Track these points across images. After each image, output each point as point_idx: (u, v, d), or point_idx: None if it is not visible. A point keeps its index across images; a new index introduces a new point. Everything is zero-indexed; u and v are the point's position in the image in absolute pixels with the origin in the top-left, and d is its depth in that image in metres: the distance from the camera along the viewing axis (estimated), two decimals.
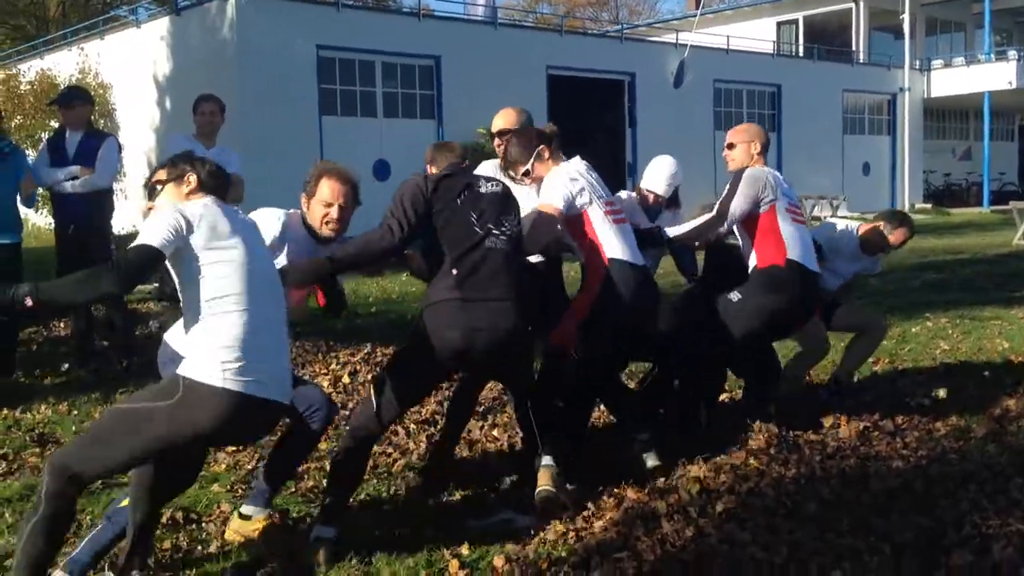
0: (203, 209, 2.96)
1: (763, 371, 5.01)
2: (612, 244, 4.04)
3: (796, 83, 23.71)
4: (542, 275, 4.29)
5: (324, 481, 4.02)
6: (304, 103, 16.11)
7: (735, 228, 4.64)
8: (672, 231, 4.73)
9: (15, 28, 34.14)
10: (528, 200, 4.17)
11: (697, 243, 4.86)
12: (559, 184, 4.06)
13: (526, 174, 4.20)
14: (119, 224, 7.57)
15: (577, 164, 4.19)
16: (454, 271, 3.50)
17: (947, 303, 9.07)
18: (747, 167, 4.62)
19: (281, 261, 3.55)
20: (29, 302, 2.73)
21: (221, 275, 2.88)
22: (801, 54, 26.72)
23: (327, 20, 16.74)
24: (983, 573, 3.17)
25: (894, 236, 5.35)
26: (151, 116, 17.44)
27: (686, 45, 20.65)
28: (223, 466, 4.33)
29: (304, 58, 16.16)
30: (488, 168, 4.52)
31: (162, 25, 17.52)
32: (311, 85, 16.30)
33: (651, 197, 4.85)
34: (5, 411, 5.13)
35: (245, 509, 3.63)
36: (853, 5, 27.62)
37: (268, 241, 3.41)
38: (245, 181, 6.35)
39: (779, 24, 28.98)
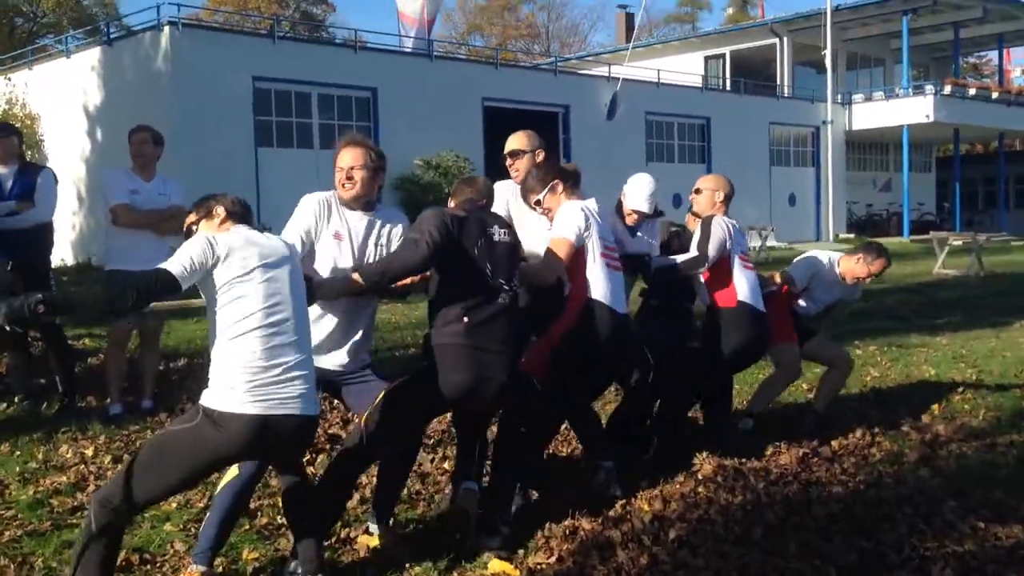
0: (233, 239, 3.13)
1: (718, 397, 5.36)
2: (599, 285, 4.23)
3: (724, 115, 24.37)
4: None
5: (279, 518, 4.03)
6: (240, 134, 16.02)
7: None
8: (658, 263, 5.05)
9: None
10: (538, 226, 4.44)
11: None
12: (573, 217, 4.23)
13: (538, 203, 4.40)
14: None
15: (592, 203, 4.39)
16: (465, 319, 3.62)
17: (874, 331, 9.40)
18: (712, 215, 5.06)
19: (326, 243, 3.81)
20: (41, 310, 2.86)
21: (242, 303, 3.04)
22: (728, 87, 27.46)
23: (263, 51, 16.72)
24: None
25: (873, 266, 5.68)
26: (81, 147, 17.16)
27: (618, 78, 21.10)
28: (174, 504, 4.29)
29: (240, 89, 16.10)
30: (503, 189, 4.71)
31: (93, 55, 17.29)
32: (247, 116, 16.24)
33: (635, 216, 5.02)
34: None
35: (371, 528, 3.88)
36: (777, 41, 28.55)
37: (312, 216, 3.79)
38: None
39: (706, 59, 29.79)
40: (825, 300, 5.77)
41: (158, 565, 3.70)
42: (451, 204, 4.06)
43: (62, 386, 6.07)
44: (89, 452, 5.06)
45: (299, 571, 3.37)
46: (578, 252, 4.22)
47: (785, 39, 28.38)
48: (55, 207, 6.33)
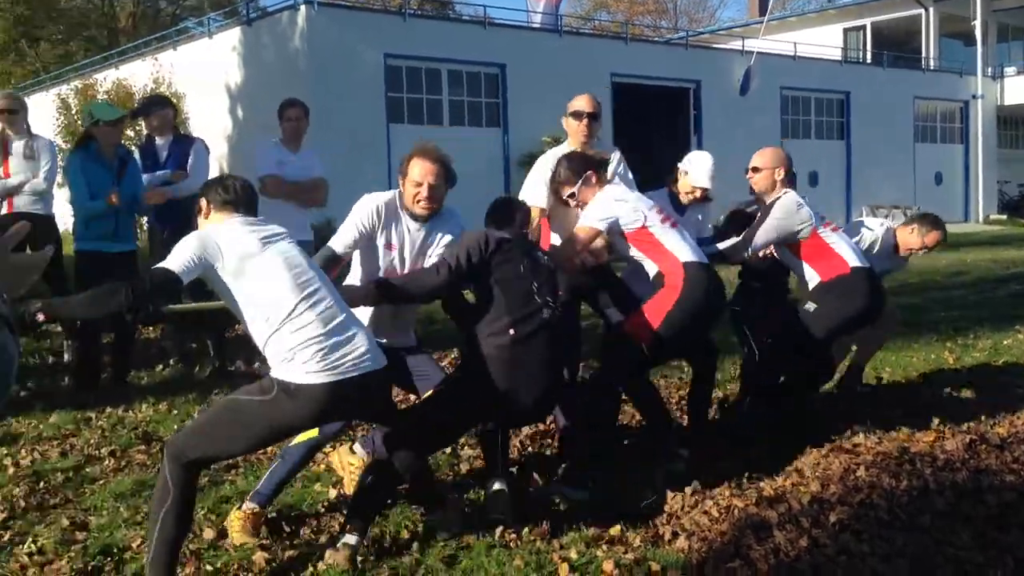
0: (228, 233, 3.14)
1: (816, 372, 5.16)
2: (682, 248, 4.21)
3: (865, 90, 23.33)
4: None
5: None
6: (372, 111, 16.26)
7: (776, 251, 4.90)
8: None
9: (88, 40, 35.14)
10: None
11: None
12: (604, 206, 4.24)
13: (571, 196, 4.36)
14: None
15: (619, 186, 4.40)
16: (512, 331, 3.58)
17: None
18: (779, 196, 4.78)
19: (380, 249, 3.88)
20: (41, 317, 2.92)
21: (267, 281, 3.07)
22: (869, 60, 26.30)
23: (394, 29, 16.90)
24: None
25: (928, 238, 5.44)
26: (223, 125, 17.74)
27: (752, 52, 20.45)
28: (322, 466, 4.36)
29: (372, 67, 16.32)
30: (550, 157, 4.74)
31: (233, 35, 17.83)
32: (379, 93, 16.46)
33: (697, 194, 4.87)
34: (109, 410, 5.24)
35: (356, 447, 3.90)
36: (922, 11, 27.14)
37: (362, 227, 3.81)
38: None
39: (846, 31, 28.57)
40: (878, 269, 5.46)
41: (307, 522, 3.76)
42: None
43: (213, 350, 6.27)
44: None
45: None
46: (642, 232, 4.20)
47: (931, 9, 26.93)
48: (207, 177, 6.52)
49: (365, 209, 3.87)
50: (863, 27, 28.45)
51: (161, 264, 3.02)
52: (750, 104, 20.48)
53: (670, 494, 3.97)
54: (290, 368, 2.99)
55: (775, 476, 4.19)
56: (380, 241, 3.86)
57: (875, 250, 5.44)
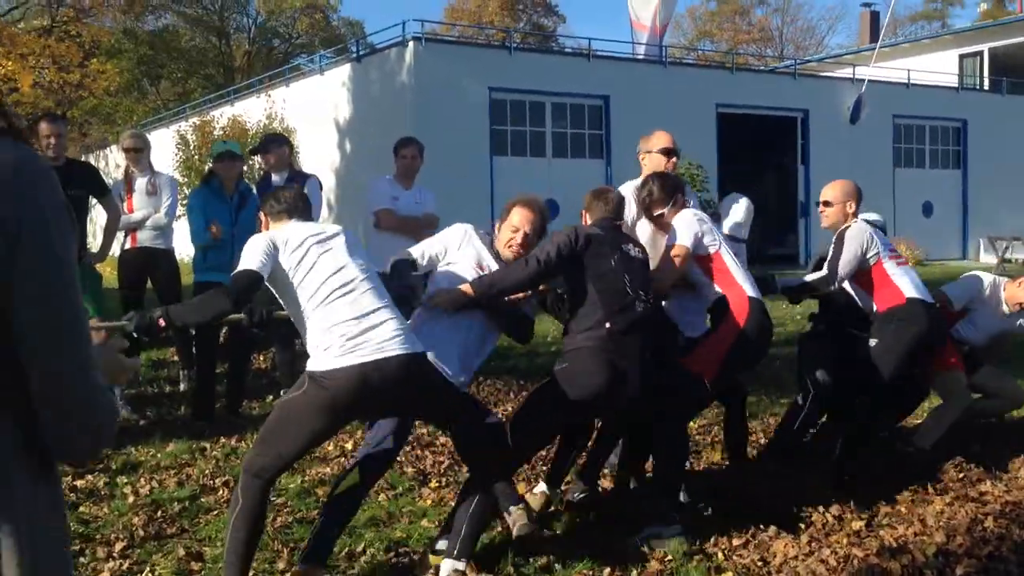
0: (284, 230, 3.41)
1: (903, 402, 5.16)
2: (747, 284, 4.26)
3: (983, 118, 22.47)
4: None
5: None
6: (476, 144, 16.46)
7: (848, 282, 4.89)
8: (784, 282, 4.99)
9: (206, 77, 36.78)
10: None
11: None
12: (688, 225, 4.29)
13: (660, 216, 4.43)
14: None
15: (696, 210, 4.47)
16: (608, 324, 3.71)
17: None
18: (847, 226, 4.79)
19: (464, 267, 3.90)
20: (162, 323, 3.23)
21: (311, 276, 3.26)
22: (987, 87, 25.34)
23: (499, 63, 17.11)
24: None
25: None
26: (332, 159, 18.23)
27: (863, 80, 19.95)
28: (429, 501, 4.39)
29: (477, 100, 16.54)
30: (629, 188, 4.76)
31: (343, 72, 18.34)
32: (483, 126, 16.65)
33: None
34: (223, 440, 5.38)
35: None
36: None
37: (447, 242, 3.93)
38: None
39: (961, 57, 27.62)
40: (988, 329, 5.26)
41: (413, 559, 3.76)
42: (585, 219, 4.13)
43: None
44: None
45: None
46: (711, 259, 4.26)
47: None
48: (320, 213, 6.70)
49: (456, 228, 4.04)
50: (980, 53, 27.45)
51: (241, 266, 3.26)
52: (861, 133, 19.96)
53: (782, 540, 3.84)
54: (317, 357, 3.14)
55: (895, 525, 4.01)
56: (471, 261, 3.91)
57: (983, 301, 5.27)
